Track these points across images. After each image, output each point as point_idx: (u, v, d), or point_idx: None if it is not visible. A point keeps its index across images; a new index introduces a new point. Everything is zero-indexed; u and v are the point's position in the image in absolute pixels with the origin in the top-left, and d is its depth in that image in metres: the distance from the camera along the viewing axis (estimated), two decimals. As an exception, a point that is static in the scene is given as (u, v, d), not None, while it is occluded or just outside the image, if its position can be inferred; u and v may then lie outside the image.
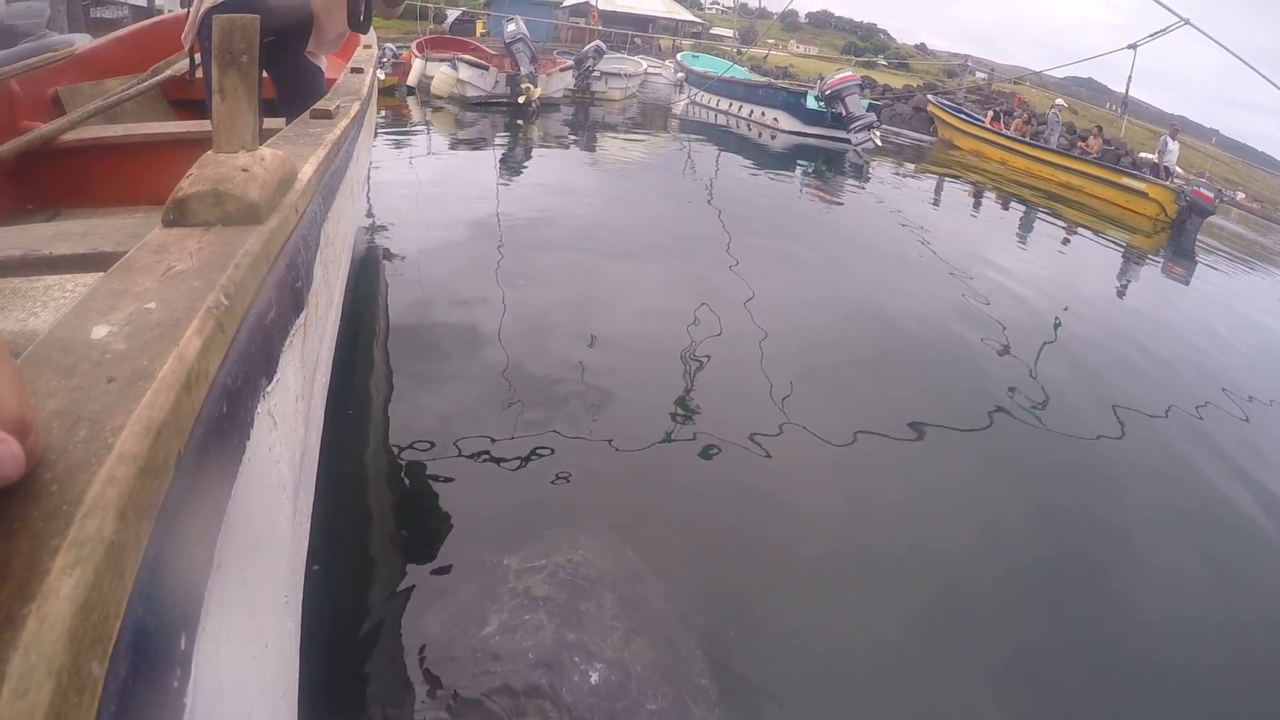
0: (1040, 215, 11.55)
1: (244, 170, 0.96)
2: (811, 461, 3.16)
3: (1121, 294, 7.85)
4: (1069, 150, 16.92)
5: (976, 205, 11.69)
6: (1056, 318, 5.80)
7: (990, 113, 19.48)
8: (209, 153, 1.00)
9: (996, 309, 5.57)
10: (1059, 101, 19.29)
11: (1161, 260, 10.51)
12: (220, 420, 0.59)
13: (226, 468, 0.62)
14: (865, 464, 3.24)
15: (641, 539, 2.46)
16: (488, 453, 2.80)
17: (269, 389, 0.82)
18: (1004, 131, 17.73)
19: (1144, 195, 13.99)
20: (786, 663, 2.12)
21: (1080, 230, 11.00)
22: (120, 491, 0.37)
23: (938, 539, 2.81)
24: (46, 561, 0.32)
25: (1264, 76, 7.90)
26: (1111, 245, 10.53)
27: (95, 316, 0.57)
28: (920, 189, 12.37)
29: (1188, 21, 8.12)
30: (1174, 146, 16.10)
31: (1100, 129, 19.49)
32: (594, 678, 1.83)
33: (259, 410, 0.76)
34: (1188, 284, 9.24)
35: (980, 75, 33.10)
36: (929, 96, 23.48)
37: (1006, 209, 11.78)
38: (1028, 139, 17.37)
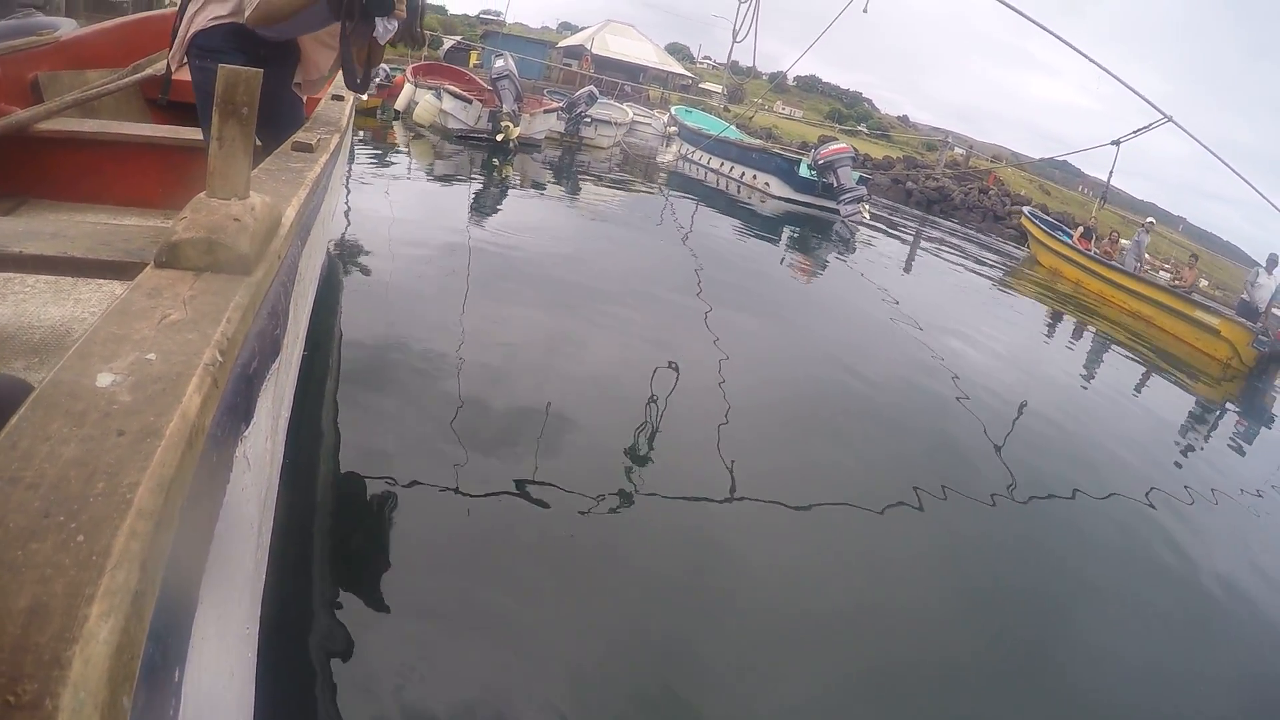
0: (1089, 345, 10.00)
1: (236, 220, 1.01)
2: (763, 525, 3.23)
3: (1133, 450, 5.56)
4: (1146, 277, 14.38)
5: (975, 301, 10.90)
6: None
7: (1080, 229, 17.31)
8: (202, 195, 1.04)
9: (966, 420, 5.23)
10: (1150, 220, 16.89)
11: (1222, 415, 8.61)
12: (211, 470, 0.65)
13: (212, 512, 0.68)
14: (821, 530, 3.32)
15: (581, 595, 2.51)
16: (432, 492, 2.83)
17: (246, 433, 0.87)
18: (1089, 251, 15.56)
19: (1215, 333, 11.63)
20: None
21: (1138, 369, 9.21)
22: (141, 545, 0.43)
23: (892, 609, 2.88)
24: (84, 608, 0.38)
25: (1237, 173, 8.16)
26: (1157, 390, 8.62)
27: (98, 363, 0.63)
28: (895, 263, 12.49)
29: (1170, 119, 8.40)
30: (1268, 282, 12.37)
31: (1195, 257, 16.37)
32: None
33: (237, 454, 0.81)
34: (1249, 442, 7.54)
35: (959, 151, 34.15)
36: (1025, 210, 20.02)
37: (1039, 325, 10.38)
38: (1112, 262, 15.09)
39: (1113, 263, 14.92)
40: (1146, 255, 16.60)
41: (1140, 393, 8.04)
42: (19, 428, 0.51)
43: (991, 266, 14.81)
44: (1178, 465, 5.70)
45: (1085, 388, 7.33)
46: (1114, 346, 10.20)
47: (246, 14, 2.42)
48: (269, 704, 1.18)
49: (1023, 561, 3.53)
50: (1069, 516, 4.07)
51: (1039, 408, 5.91)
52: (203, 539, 0.65)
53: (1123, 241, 16.09)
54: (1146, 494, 4.64)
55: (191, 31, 2.54)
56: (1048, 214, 20.65)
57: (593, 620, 2.42)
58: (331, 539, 2.59)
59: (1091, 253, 15.46)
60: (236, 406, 0.78)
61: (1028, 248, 18.74)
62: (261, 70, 1.08)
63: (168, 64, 2.80)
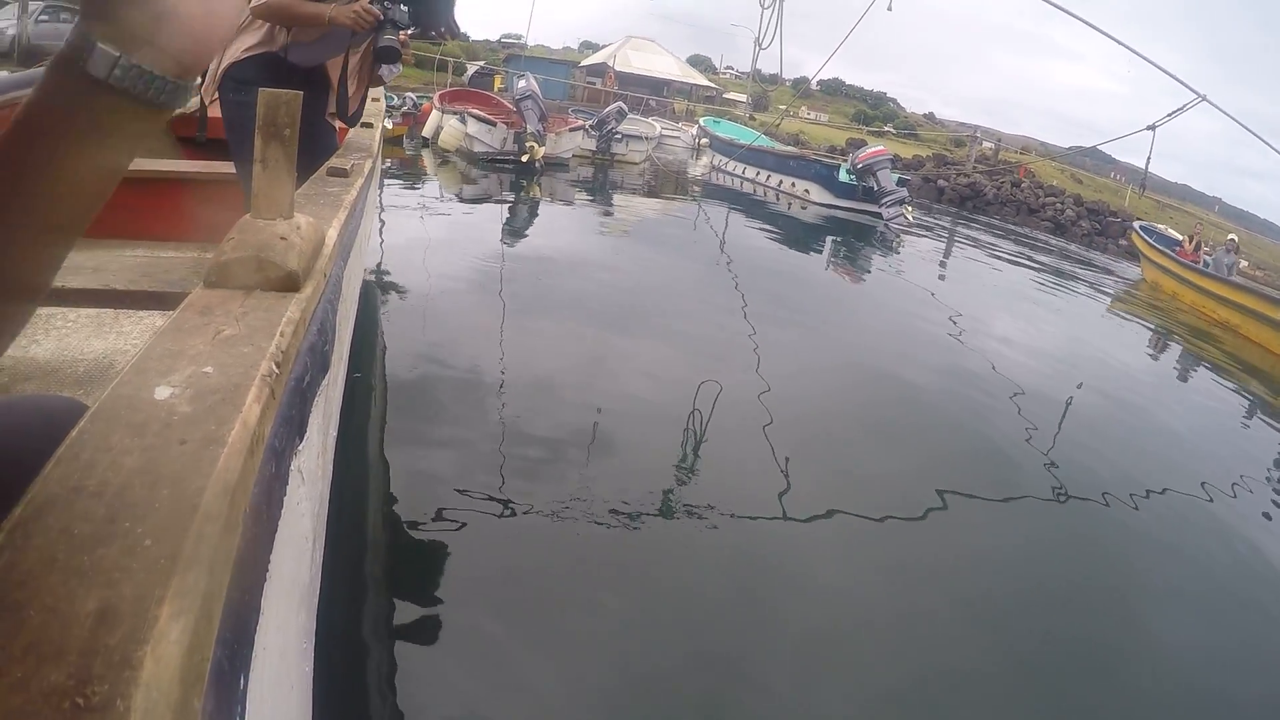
0: (1164, 358, 9.22)
1: (283, 239, 1.02)
2: (813, 536, 3.18)
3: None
4: (1233, 280, 12.89)
5: (1025, 304, 10.08)
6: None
7: (1189, 238, 16.03)
8: (247, 217, 1.05)
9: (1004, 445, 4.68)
10: (1232, 237, 15.51)
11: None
12: (270, 480, 0.65)
13: (271, 522, 0.68)
14: (873, 539, 3.26)
15: (633, 610, 2.49)
16: (479, 511, 2.83)
17: (300, 447, 0.87)
18: (1194, 264, 14.23)
19: None
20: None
21: (1205, 383, 8.14)
22: (209, 548, 0.43)
23: (947, 616, 2.81)
24: (154, 609, 0.38)
25: (1275, 149, 7.90)
26: (1217, 408, 7.29)
27: (155, 377, 0.63)
28: (948, 267, 12.27)
29: (1204, 98, 8.14)
30: None
31: None
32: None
33: (293, 467, 0.82)
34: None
35: (988, 145, 33.78)
36: (1135, 226, 18.14)
37: (1115, 337, 9.35)
38: (1209, 271, 13.71)
39: (1207, 271, 13.64)
40: (1258, 273, 15.21)
41: (1199, 410, 7.02)
42: (80, 440, 0.51)
43: (1061, 274, 14.38)
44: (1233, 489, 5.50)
45: (1145, 399, 6.64)
46: (1189, 359, 9.34)
47: (252, 2, 2.47)
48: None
49: (1080, 568, 3.42)
50: (1123, 526, 3.92)
51: (1094, 416, 5.72)
52: (264, 549, 0.65)
53: (1204, 248, 15.19)
54: (1204, 502, 4.50)
55: (225, 64, 2.59)
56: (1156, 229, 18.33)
57: (645, 635, 2.40)
58: (383, 557, 2.60)
59: (1204, 266, 14.03)
60: (291, 419, 0.79)
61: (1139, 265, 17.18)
62: (301, 93, 1.10)
63: (200, 99, 2.86)
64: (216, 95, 2.67)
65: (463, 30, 2.77)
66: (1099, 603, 3.15)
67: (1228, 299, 12.21)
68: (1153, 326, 10.87)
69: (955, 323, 7.62)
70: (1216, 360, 9.28)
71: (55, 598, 0.38)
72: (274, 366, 0.70)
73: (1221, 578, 3.58)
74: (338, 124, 3.06)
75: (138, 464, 0.49)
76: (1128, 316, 11.35)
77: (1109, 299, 12.68)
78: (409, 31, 2.76)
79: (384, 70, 2.85)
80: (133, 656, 0.35)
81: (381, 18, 2.55)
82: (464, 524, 2.74)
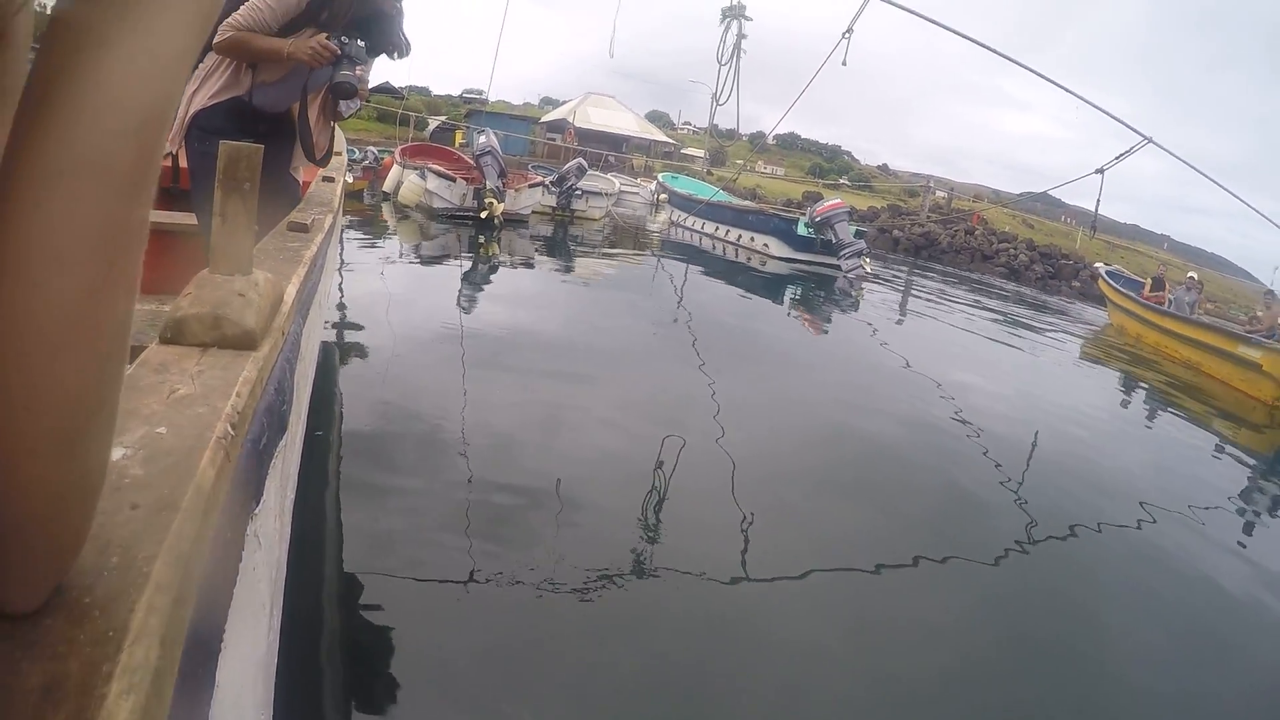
0: (1123, 400, 9.13)
1: (241, 295, 1.00)
2: (781, 594, 3.12)
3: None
4: (1190, 318, 13.02)
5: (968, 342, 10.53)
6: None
7: (1150, 280, 16.13)
8: (205, 272, 1.03)
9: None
10: (1191, 275, 15.73)
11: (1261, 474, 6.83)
12: (225, 546, 0.63)
13: (226, 590, 0.66)
14: (842, 596, 3.20)
15: (598, 687, 2.41)
16: (442, 575, 2.76)
17: (256, 511, 0.85)
18: (1157, 305, 14.28)
19: (1257, 369, 9.97)
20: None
21: (1169, 424, 8.18)
22: (160, 620, 0.41)
23: (920, 674, 2.75)
24: (101, 686, 0.36)
25: (1223, 186, 8.15)
26: (1182, 443, 7.44)
27: (108, 438, 0.61)
28: (910, 316, 12.51)
29: (1150, 140, 8.42)
30: None
31: (1272, 293, 13.85)
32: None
33: (248, 531, 0.79)
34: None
35: (941, 194, 34.74)
36: (1101, 271, 18.12)
37: (1079, 385, 9.28)
38: (1170, 310, 13.82)
39: (1168, 310, 13.67)
40: (1208, 305, 15.78)
41: (1163, 452, 6.91)
42: None
43: (1018, 321, 14.63)
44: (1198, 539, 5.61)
45: (1113, 440, 6.72)
46: (1151, 400, 9.30)
47: (215, 39, 2.46)
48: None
49: (1061, 617, 3.41)
50: (1090, 573, 3.93)
51: (1055, 460, 5.76)
52: (218, 619, 0.63)
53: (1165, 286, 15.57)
54: (1184, 532, 4.59)
55: (192, 111, 2.56)
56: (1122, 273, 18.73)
57: (612, 704, 2.34)
58: (343, 623, 2.51)
59: (1165, 307, 14.09)
60: (247, 483, 0.77)
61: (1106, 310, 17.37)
62: (262, 146, 1.09)
63: (172, 152, 2.82)
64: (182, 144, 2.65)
65: (407, 41, 2.84)
66: (1080, 653, 3.12)
67: (1189, 337, 12.25)
68: (1118, 370, 11.07)
69: (919, 372, 7.72)
70: (1180, 401, 9.38)
71: None
72: (229, 428, 0.68)
73: (1203, 611, 3.61)
74: (301, 176, 3.05)
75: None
76: (1094, 362, 11.55)
77: (1075, 344, 12.94)
78: (367, 82, 2.79)
79: (341, 105, 2.87)
80: None
81: (339, 53, 2.57)
82: (427, 588, 2.67)
